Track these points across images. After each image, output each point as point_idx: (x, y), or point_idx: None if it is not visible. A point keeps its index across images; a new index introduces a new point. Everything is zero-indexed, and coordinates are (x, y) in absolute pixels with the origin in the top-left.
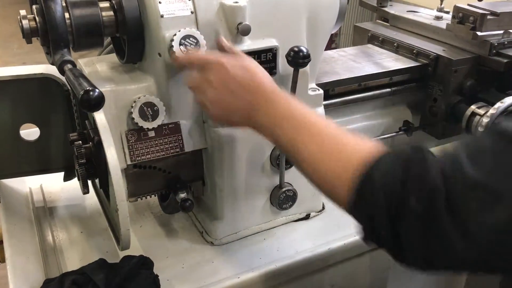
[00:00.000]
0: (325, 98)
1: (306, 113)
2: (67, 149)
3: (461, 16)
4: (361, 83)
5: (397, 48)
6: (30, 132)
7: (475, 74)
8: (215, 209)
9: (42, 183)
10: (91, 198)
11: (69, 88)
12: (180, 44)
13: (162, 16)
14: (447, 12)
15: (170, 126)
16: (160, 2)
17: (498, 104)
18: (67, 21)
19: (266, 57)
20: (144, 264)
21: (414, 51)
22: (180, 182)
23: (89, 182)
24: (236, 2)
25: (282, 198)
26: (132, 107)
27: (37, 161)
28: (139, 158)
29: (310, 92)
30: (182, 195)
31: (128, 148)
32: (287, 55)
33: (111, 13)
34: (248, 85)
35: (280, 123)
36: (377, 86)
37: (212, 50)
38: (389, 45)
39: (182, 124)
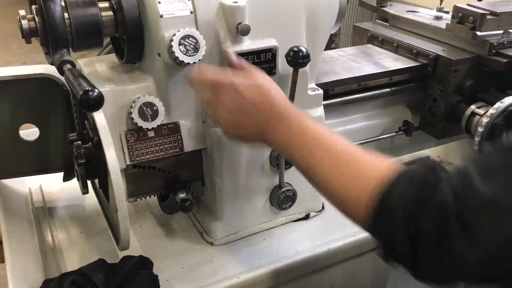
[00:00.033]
0: (325, 98)
1: (319, 131)
2: (66, 149)
3: (460, 16)
4: (361, 83)
5: (397, 48)
6: (29, 132)
7: (475, 74)
8: (214, 209)
9: (41, 183)
10: (91, 198)
11: (69, 88)
12: (180, 44)
13: (161, 16)
14: (447, 12)
15: (169, 126)
16: (159, 2)
17: (497, 104)
18: (67, 21)
19: (265, 57)
20: (143, 264)
21: (414, 51)
22: (180, 182)
23: (89, 182)
24: (236, 2)
25: (282, 198)
26: (131, 107)
27: (36, 161)
28: (139, 158)
29: (310, 92)
30: (182, 195)
31: (127, 148)
32: (287, 55)
33: (111, 13)
34: (261, 105)
35: (294, 142)
36: (377, 86)
37: (223, 68)
38: (388, 45)
39: (181, 124)
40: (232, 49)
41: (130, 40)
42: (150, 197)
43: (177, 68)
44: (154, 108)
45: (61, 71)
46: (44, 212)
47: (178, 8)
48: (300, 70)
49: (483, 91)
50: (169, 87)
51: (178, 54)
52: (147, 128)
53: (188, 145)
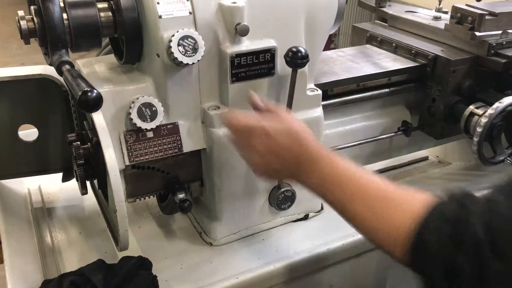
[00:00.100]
0: (324, 99)
1: (350, 170)
2: (65, 149)
3: (459, 16)
4: (360, 84)
5: (396, 48)
6: (28, 133)
7: (474, 74)
8: (213, 209)
9: (40, 184)
10: (90, 199)
11: (68, 88)
12: (179, 44)
13: (160, 17)
14: (446, 12)
15: (168, 126)
16: (158, 3)
17: (496, 104)
18: (65, 21)
19: (264, 58)
20: (142, 264)
21: (413, 52)
22: (179, 183)
23: (88, 183)
24: (235, 3)
25: (281, 199)
26: (130, 107)
27: (35, 161)
28: (138, 159)
29: (309, 93)
30: (181, 195)
31: (126, 148)
32: (286, 56)
33: (109, 13)
34: (292, 149)
35: (325, 182)
36: (376, 87)
37: (250, 112)
38: (387, 46)
39: (180, 125)
40: (231, 50)
41: (129, 40)
42: (149, 197)
43: (176, 69)
44: (153, 108)
45: (60, 72)
46: (43, 213)
47: (177, 9)
48: (299, 70)
49: (482, 91)
50: (168, 87)
51: (177, 54)
52: (146, 129)
53: (187, 146)
